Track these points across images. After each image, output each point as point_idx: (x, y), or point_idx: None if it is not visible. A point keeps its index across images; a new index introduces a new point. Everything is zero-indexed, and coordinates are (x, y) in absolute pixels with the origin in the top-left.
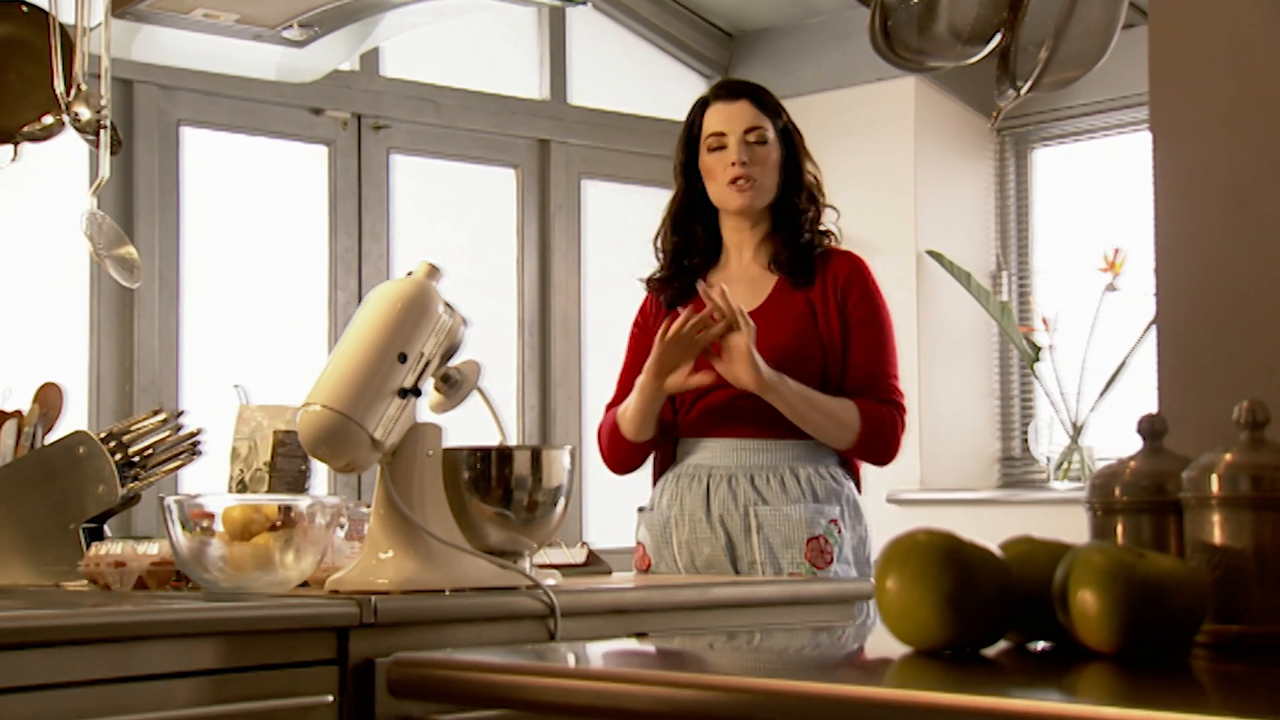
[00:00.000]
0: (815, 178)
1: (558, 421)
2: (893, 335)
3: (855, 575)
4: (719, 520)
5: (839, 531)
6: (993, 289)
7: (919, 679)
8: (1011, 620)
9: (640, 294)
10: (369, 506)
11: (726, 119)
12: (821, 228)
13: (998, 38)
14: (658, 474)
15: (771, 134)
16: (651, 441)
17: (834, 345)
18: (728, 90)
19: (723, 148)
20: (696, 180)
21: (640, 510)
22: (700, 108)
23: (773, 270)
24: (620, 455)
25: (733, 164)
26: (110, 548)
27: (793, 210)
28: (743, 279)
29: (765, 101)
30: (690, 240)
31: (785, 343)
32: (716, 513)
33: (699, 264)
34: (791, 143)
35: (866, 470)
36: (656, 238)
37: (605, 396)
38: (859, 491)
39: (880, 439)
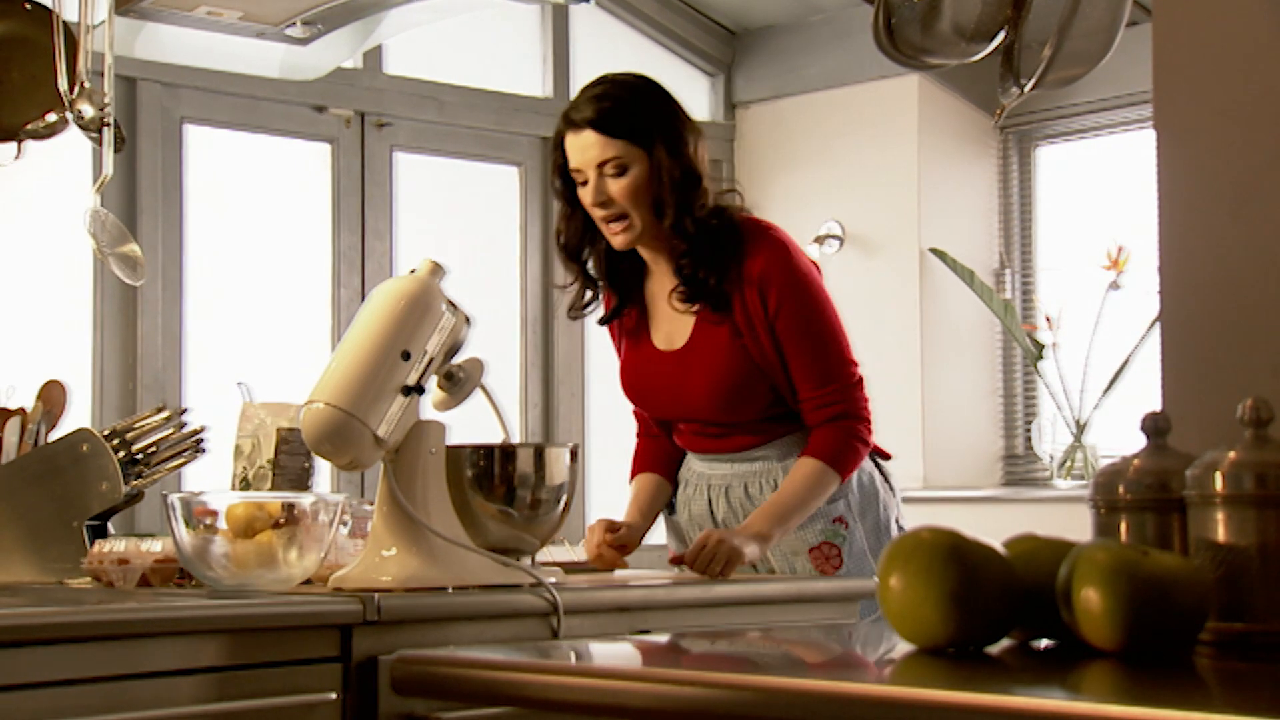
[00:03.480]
0: (695, 172)
1: (561, 419)
2: (824, 314)
3: (869, 566)
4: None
5: (846, 527)
6: (996, 287)
7: (923, 677)
8: (1015, 618)
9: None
10: (372, 504)
11: (579, 153)
12: (721, 206)
13: (1001, 35)
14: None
15: (631, 157)
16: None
17: (772, 363)
18: (570, 121)
19: (585, 182)
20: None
21: (667, 509)
22: (560, 134)
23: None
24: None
25: (593, 205)
26: (114, 545)
27: (684, 230)
28: (666, 314)
29: (616, 121)
30: (600, 259)
31: (722, 382)
32: (722, 522)
33: (627, 270)
34: (670, 146)
35: (890, 474)
36: (563, 263)
37: (608, 394)
38: (881, 460)
39: (851, 457)
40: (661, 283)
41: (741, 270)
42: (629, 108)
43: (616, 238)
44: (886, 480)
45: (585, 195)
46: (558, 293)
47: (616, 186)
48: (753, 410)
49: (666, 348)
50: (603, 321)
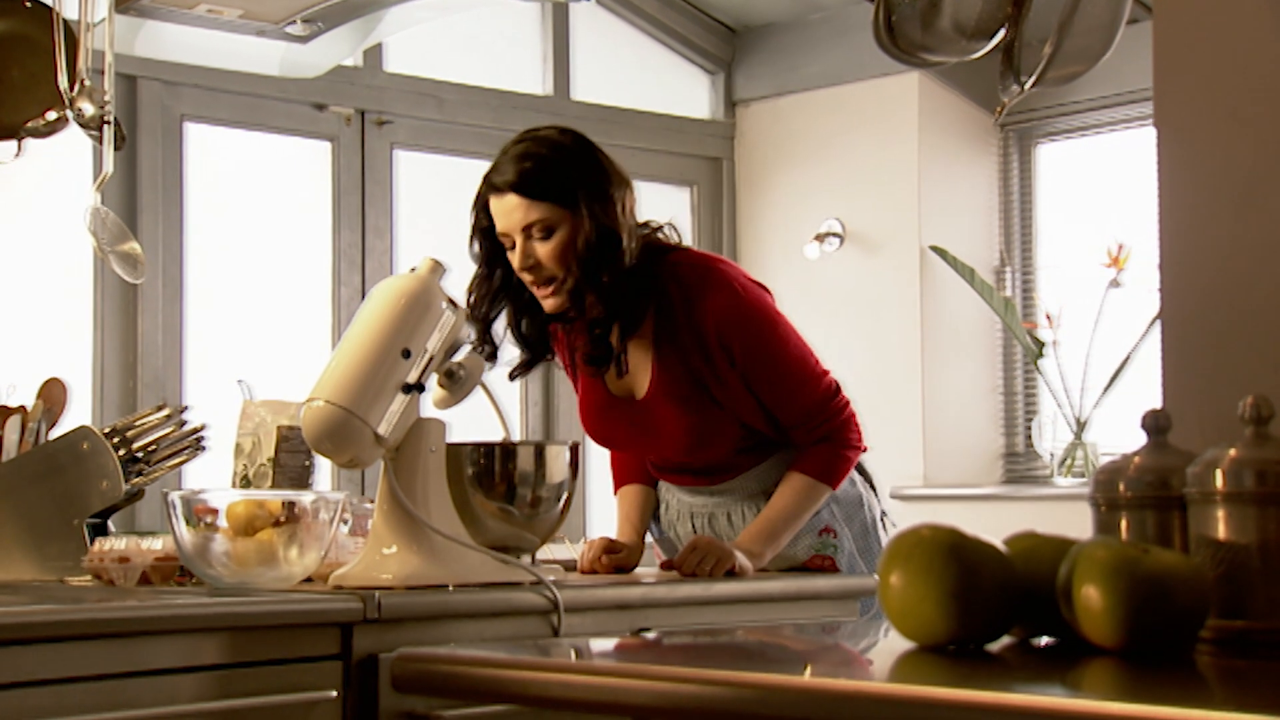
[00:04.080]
0: (615, 233)
1: (561, 417)
2: (786, 344)
3: (862, 567)
4: None
5: (835, 536)
6: (996, 285)
7: (923, 674)
8: (1015, 616)
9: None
10: (372, 502)
11: (503, 217)
12: (654, 249)
13: (1002, 33)
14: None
15: (556, 218)
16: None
17: (740, 403)
18: (492, 185)
19: (513, 246)
20: (500, 261)
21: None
22: (484, 197)
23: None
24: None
25: (521, 269)
26: (114, 543)
27: (607, 285)
28: (620, 377)
29: (541, 184)
30: (514, 320)
31: (690, 429)
32: None
33: (535, 335)
34: (593, 207)
35: (869, 469)
36: (475, 326)
37: None
38: (858, 472)
39: (842, 468)
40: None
41: (694, 319)
42: (552, 168)
43: (547, 301)
44: (866, 478)
45: (513, 259)
46: None
47: (544, 250)
48: (722, 448)
49: (624, 395)
50: (512, 376)
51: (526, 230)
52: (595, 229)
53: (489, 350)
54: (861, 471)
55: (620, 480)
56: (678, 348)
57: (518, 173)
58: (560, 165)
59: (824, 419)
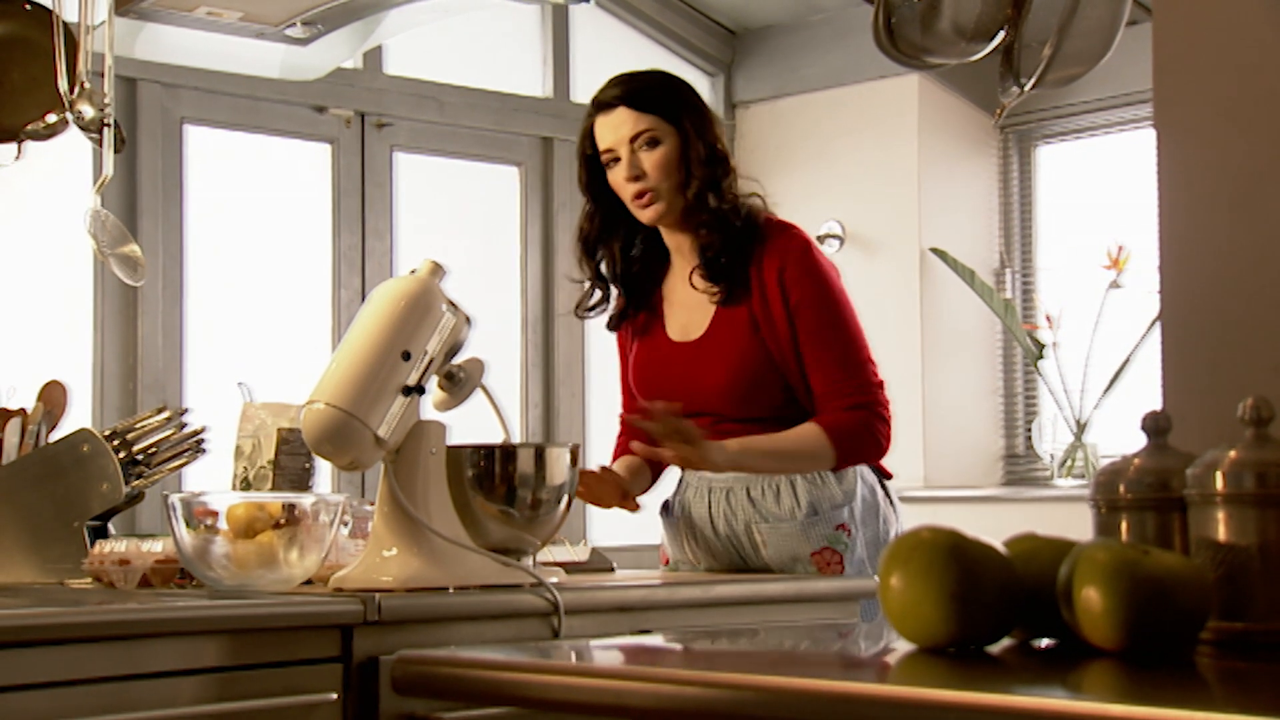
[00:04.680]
0: (720, 153)
1: (561, 419)
2: (844, 312)
3: (867, 574)
4: (726, 536)
5: (849, 535)
6: (996, 286)
7: (923, 676)
8: (1016, 618)
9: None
10: (373, 504)
11: (611, 131)
12: (742, 201)
13: (1001, 34)
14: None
15: (662, 130)
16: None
17: (789, 358)
18: (601, 103)
19: (617, 160)
20: (607, 194)
21: (663, 509)
22: (589, 125)
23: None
24: None
25: (627, 180)
26: (114, 545)
27: (706, 204)
28: (684, 305)
29: (647, 97)
30: (613, 258)
31: (738, 372)
32: (722, 529)
33: (641, 272)
34: (696, 126)
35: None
36: (578, 261)
37: (608, 394)
38: (883, 478)
39: (858, 446)
40: (681, 274)
41: (762, 261)
42: (657, 88)
43: (645, 211)
44: (889, 496)
45: (618, 173)
46: (559, 292)
47: (650, 160)
48: (764, 406)
49: (682, 339)
50: (611, 326)
51: (633, 141)
52: (698, 146)
53: (601, 294)
54: (885, 490)
55: (619, 454)
56: (744, 291)
57: (625, 89)
58: (663, 87)
59: (860, 395)
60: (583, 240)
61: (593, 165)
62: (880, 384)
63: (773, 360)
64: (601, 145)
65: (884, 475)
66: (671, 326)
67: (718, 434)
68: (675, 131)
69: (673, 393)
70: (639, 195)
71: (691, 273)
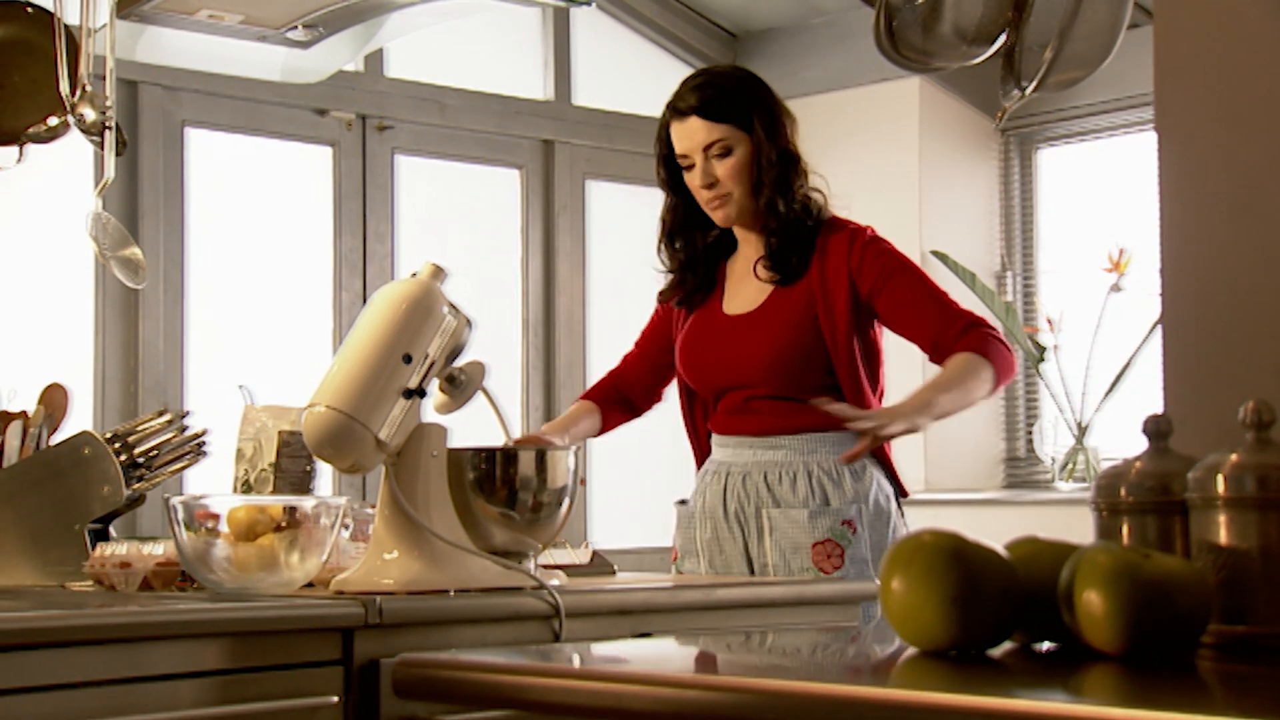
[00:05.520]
0: (792, 154)
1: None
2: (927, 280)
3: (867, 575)
4: (735, 519)
5: (853, 532)
6: (997, 289)
7: (924, 680)
8: (1017, 621)
9: (643, 293)
10: (374, 507)
11: (685, 138)
12: (810, 199)
13: (1002, 38)
14: (698, 467)
15: (734, 139)
16: (606, 427)
17: (839, 343)
18: (676, 110)
19: (691, 166)
20: (685, 188)
21: (678, 501)
22: (665, 125)
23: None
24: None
25: (700, 186)
26: (115, 548)
27: (776, 209)
28: (743, 283)
29: (720, 106)
30: (692, 246)
31: (787, 344)
32: (733, 511)
33: (709, 255)
34: (768, 129)
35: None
36: (659, 249)
37: None
38: (896, 486)
39: (998, 354)
40: (746, 258)
41: (826, 252)
42: (730, 94)
43: (718, 212)
44: (901, 511)
45: (693, 178)
46: (559, 295)
47: (723, 168)
48: (806, 386)
49: (736, 313)
50: (663, 298)
51: (706, 150)
52: (769, 150)
53: (691, 281)
54: (898, 502)
55: (584, 397)
56: (803, 276)
57: (700, 98)
58: (737, 92)
59: (963, 320)
60: (665, 232)
61: (670, 163)
62: (977, 316)
63: (823, 341)
64: (677, 149)
65: (901, 492)
66: (729, 302)
67: (744, 414)
68: (748, 138)
69: (718, 363)
70: (712, 200)
71: (756, 263)
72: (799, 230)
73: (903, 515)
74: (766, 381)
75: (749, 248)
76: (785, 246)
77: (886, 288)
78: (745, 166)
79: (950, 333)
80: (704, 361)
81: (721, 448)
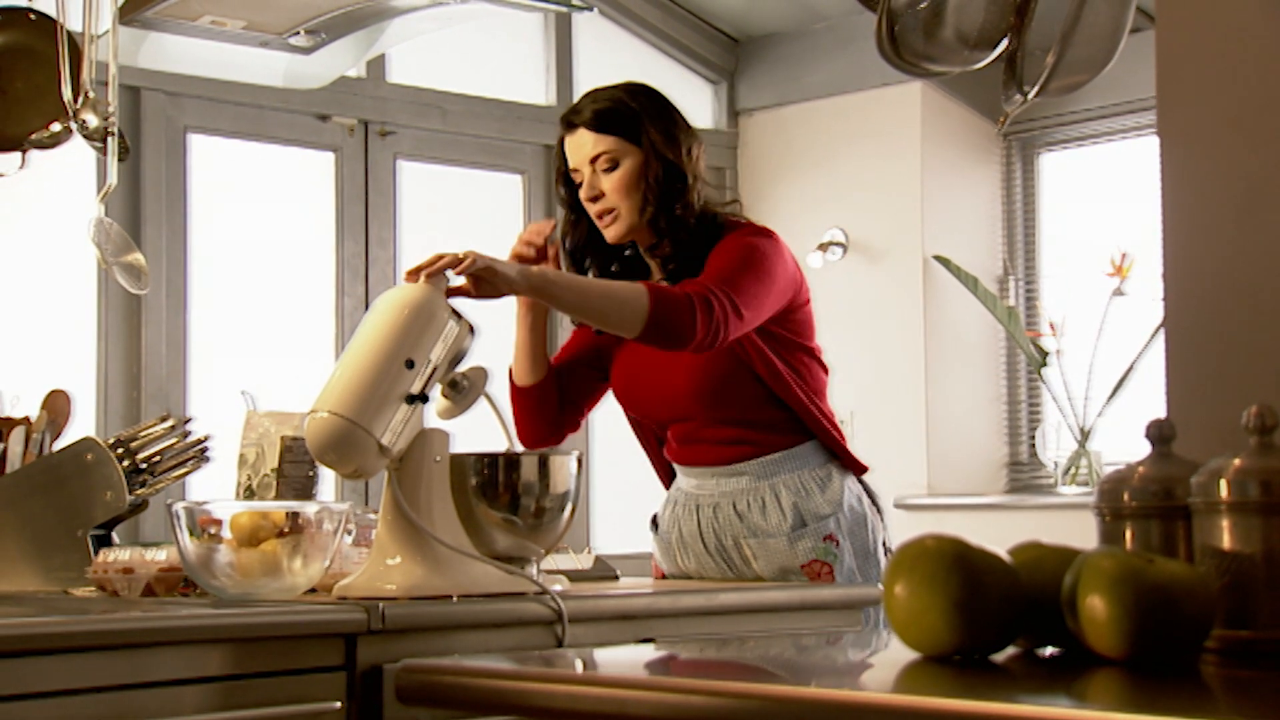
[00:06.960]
0: (681, 169)
1: None
2: (755, 261)
3: (860, 581)
4: (717, 550)
5: (837, 545)
6: (1000, 294)
7: (927, 685)
8: (1020, 626)
9: None
10: (376, 512)
11: (574, 151)
12: (717, 211)
13: (1004, 42)
14: (666, 486)
15: (621, 151)
16: (543, 390)
17: (750, 353)
18: (566, 121)
19: (583, 182)
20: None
21: (652, 525)
22: (561, 140)
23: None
24: (515, 410)
25: (586, 199)
26: (118, 554)
27: (659, 226)
28: None
29: (607, 118)
30: (605, 271)
31: (700, 375)
32: (712, 544)
33: (622, 279)
34: (659, 143)
35: (871, 475)
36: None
37: (610, 402)
38: (864, 481)
39: (672, 317)
40: (657, 277)
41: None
42: (620, 105)
43: (608, 230)
44: (873, 500)
45: (582, 192)
46: None
47: (609, 181)
48: (738, 405)
49: None
50: (598, 330)
51: (593, 162)
52: (662, 165)
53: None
54: (868, 492)
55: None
56: None
57: (589, 110)
58: (629, 104)
59: (709, 284)
60: (570, 251)
61: (569, 179)
62: (738, 304)
63: (737, 356)
64: (570, 163)
65: (860, 470)
66: None
67: (697, 443)
68: (637, 150)
69: (657, 398)
70: (600, 215)
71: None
72: (692, 250)
73: (878, 508)
74: (704, 411)
75: (656, 269)
76: (680, 268)
77: (713, 255)
78: (632, 180)
79: (698, 280)
80: (641, 397)
81: (685, 477)
